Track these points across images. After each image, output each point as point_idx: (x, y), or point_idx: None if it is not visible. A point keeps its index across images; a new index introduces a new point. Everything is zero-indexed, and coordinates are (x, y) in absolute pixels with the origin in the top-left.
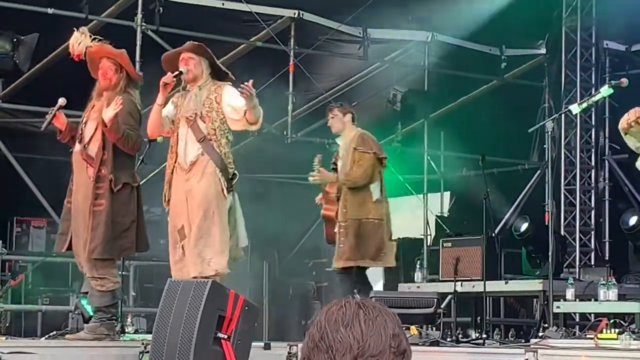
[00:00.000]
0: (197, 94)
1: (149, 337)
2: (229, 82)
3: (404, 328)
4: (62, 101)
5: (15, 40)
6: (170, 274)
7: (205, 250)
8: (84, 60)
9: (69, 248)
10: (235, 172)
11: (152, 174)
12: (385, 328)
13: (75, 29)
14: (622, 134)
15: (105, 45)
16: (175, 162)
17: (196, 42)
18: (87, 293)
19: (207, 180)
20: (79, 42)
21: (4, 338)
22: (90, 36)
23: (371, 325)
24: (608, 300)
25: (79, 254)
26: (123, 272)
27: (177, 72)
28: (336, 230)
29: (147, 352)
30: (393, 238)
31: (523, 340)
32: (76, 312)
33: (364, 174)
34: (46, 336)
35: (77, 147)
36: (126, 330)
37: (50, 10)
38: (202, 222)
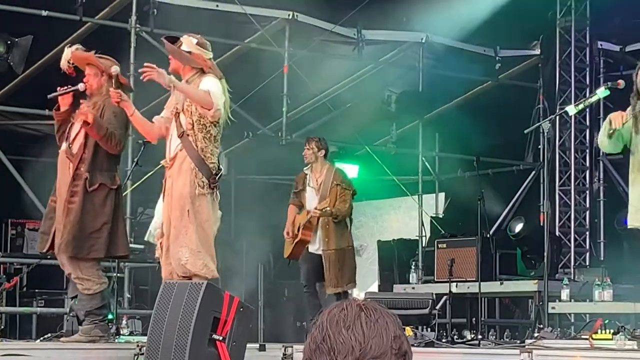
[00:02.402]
0: None
1: (144, 339)
2: (211, 74)
3: None
4: (81, 87)
5: (9, 42)
6: None
7: (182, 250)
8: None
9: (51, 247)
10: (221, 166)
11: (147, 176)
12: (387, 330)
13: (67, 47)
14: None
15: (76, 51)
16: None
17: (168, 39)
18: (77, 296)
19: (184, 178)
20: (64, 56)
21: None
22: (70, 47)
23: (373, 327)
24: (603, 300)
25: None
26: (118, 274)
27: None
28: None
29: (142, 354)
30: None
31: (518, 341)
32: (71, 314)
33: (349, 209)
34: (41, 338)
35: (63, 146)
36: (121, 332)
37: (44, 13)
38: (179, 221)
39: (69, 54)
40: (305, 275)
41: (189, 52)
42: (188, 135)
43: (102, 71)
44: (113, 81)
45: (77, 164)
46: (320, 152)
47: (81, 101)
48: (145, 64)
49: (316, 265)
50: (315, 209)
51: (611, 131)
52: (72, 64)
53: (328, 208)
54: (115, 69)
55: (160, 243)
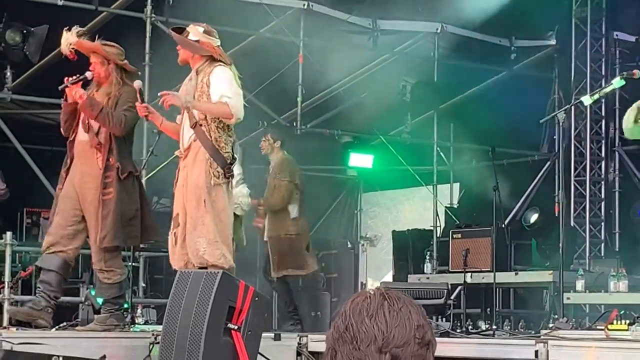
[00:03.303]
0: (193, 78)
1: (159, 328)
2: (220, 63)
3: None
4: (89, 75)
5: (25, 31)
6: None
7: (199, 241)
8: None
9: None
10: (235, 156)
11: (161, 166)
12: (410, 319)
13: (66, 30)
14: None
15: (82, 40)
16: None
17: (175, 30)
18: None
19: (199, 168)
20: (66, 41)
21: (14, 329)
22: (78, 33)
23: (396, 317)
24: (618, 291)
25: (58, 233)
26: (133, 264)
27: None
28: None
29: (158, 343)
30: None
31: (533, 332)
32: (86, 303)
33: (281, 200)
34: (56, 327)
35: (85, 136)
36: (136, 322)
37: (60, 2)
38: (195, 211)
39: (71, 39)
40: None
41: (197, 41)
42: (201, 125)
43: (108, 59)
44: (139, 96)
45: (107, 155)
46: (277, 142)
47: (94, 92)
48: (160, 94)
49: (267, 251)
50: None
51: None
52: (74, 48)
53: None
54: (138, 83)
55: (175, 233)
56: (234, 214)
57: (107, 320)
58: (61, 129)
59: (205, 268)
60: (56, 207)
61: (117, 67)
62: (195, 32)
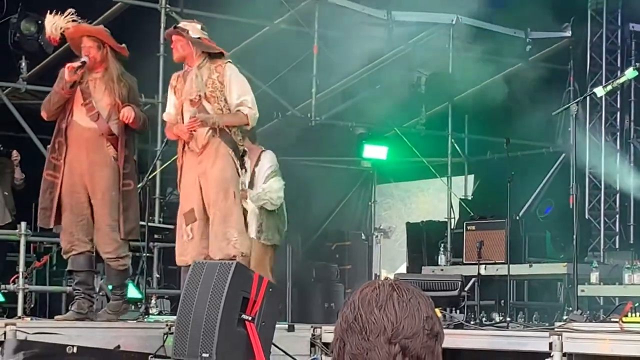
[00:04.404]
0: (197, 75)
1: (173, 318)
2: (228, 60)
3: None
4: (85, 60)
5: (40, 22)
6: None
7: (230, 231)
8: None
9: (57, 222)
10: (245, 149)
11: (176, 156)
12: (419, 310)
13: (49, 12)
14: None
15: (82, 24)
16: (184, 145)
17: (182, 24)
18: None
19: (222, 162)
20: (54, 24)
21: (29, 319)
22: (65, 17)
23: (405, 307)
24: (633, 283)
25: (73, 231)
26: (147, 254)
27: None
28: None
29: (172, 333)
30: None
31: (547, 324)
32: (100, 293)
33: None
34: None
35: (91, 124)
36: (150, 312)
37: None
38: (224, 203)
39: (61, 23)
40: None
41: (199, 38)
42: None
43: (104, 43)
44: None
45: (125, 147)
46: None
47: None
48: (189, 122)
49: None
50: None
51: None
52: (63, 33)
53: None
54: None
55: (191, 228)
56: (265, 209)
57: (121, 307)
58: (44, 113)
59: (241, 257)
60: (46, 192)
61: (110, 50)
62: (194, 29)
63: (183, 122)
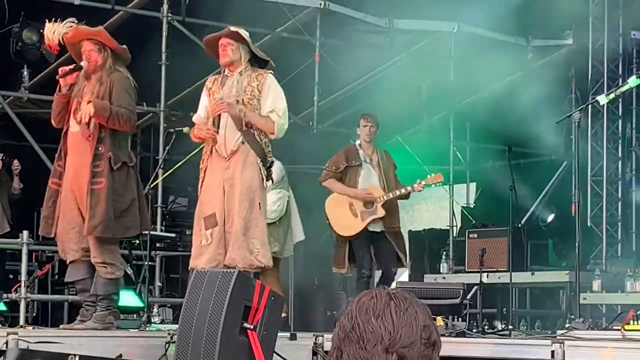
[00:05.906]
0: (238, 80)
1: (175, 327)
2: (270, 72)
3: None
4: (84, 64)
5: (42, 31)
6: None
7: (253, 242)
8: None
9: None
10: (273, 159)
11: (178, 165)
12: (417, 319)
13: (47, 21)
14: None
15: (81, 27)
16: (211, 149)
17: (234, 28)
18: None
19: (250, 171)
20: (53, 31)
21: (31, 328)
22: (65, 24)
23: (402, 317)
24: (635, 291)
25: (65, 239)
26: (149, 262)
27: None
28: None
29: (174, 342)
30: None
31: (549, 332)
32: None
33: None
34: (61, 327)
35: (77, 128)
36: (152, 321)
37: (77, 1)
38: (249, 213)
39: (61, 29)
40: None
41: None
42: (251, 128)
43: (105, 45)
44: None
45: (96, 144)
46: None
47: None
48: (217, 102)
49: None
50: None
51: None
52: (63, 38)
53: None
54: None
55: (211, 233)
56: None
57: (106, 317)
58: (52, 121)
59: (263, 269)
60: (49, 200)
61: (111, 52)
62: (245, 34)
63: (215, 126)
